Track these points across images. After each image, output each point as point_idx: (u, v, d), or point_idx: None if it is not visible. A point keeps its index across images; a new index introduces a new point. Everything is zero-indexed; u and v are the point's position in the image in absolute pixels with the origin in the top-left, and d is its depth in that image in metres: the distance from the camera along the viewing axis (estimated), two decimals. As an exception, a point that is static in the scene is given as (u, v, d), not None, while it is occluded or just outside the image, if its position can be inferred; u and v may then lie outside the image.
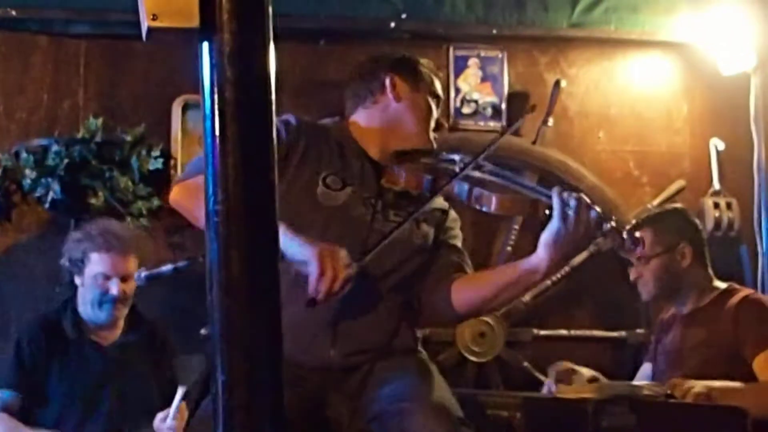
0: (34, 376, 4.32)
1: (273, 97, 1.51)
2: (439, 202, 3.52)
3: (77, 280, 4.45)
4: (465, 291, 3.32)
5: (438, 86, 3.60)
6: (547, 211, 3.14)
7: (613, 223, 3.10)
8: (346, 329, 3.18)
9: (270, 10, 1.52)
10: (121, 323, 4.47)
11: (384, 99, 3.46)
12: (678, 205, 4.75)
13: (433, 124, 3.51)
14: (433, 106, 3.53)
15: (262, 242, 1.51)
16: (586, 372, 4.15)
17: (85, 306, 4.42)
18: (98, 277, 4.37)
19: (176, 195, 3.35)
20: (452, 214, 3.59)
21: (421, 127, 3.46)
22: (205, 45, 1.49)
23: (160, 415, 4.13)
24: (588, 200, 3.09)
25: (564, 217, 3.04)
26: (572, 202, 3.03)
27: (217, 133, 1.47)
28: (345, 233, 3.18)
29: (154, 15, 1.50)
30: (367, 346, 3.21)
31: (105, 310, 4.38)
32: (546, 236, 3.13)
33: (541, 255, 3.15)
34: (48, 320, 4.46)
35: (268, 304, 1.51)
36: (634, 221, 4.45)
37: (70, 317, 4.43)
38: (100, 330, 4.44)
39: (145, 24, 1.51)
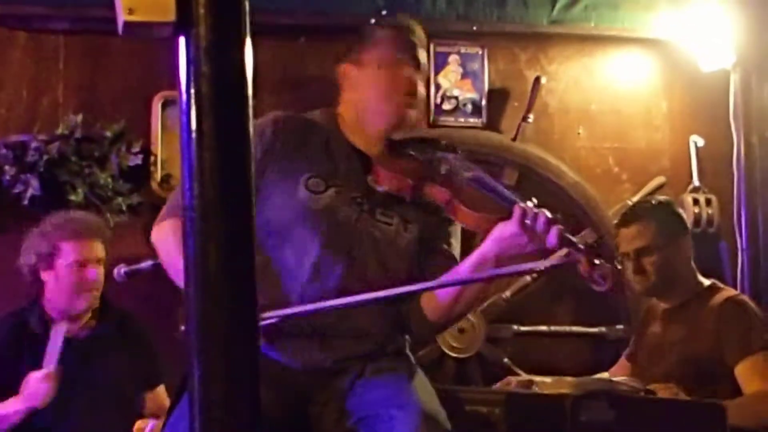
0: (2, 372, 4.30)
1: (250, 91, 1.50)
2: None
3: (45, 276, 4.41)
4: (432, 299, 3.27)
5: (404, 47, 3.44)
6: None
7: (580, 253, 3.07)
8: (334, 336, 3.16)
9: (246, 4, 1.52)
10: (88, 316, 4.45)
11: (345, 90, 3.43)
12: (665, 198, 4.76)
13: (406, 90, 3.37)
14: (402, 72, 3.39)
15: (239, 237, 1.51)
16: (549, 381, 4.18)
17: (60, 298, 4.38)
18: (73, 265, 4.35)
19: (153, 238, 3.38)
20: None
21: (383, 105, 3.33)
22: (182, 39, 1.49)
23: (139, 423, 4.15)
24: (559, 226, 3.06)
25: (522, 225, 3.03)
26: (538, 220, 3.02)
27: (193, 127, 1.47)
28: (330, 238, 3.15)
29: (130, 9, 1.50)
30: (358, 353, 3.19)
31: (84, 298, 4.36)
32: (498, 233, 3.09)
33: (487, 248, 3.11)
34: (13, 318, 4.45)
35: (244, 299, 1.51)
36: (623, 214, 4.45)
37: (36, 314, 4.41)
38: (70, 323, 4.41)
39: (121, 18, 1.51)
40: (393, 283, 3.17)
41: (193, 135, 1.47)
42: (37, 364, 4.27)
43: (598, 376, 4.54)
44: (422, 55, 3.47)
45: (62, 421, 4.25)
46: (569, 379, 4.04)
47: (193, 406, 1.49)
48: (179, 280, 3.11)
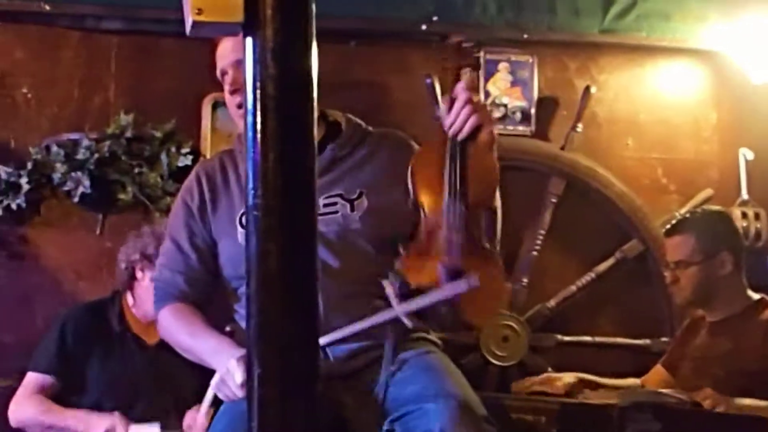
0: (74, 362, 4.34)
1: (315, 93, 1.51)
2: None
3: (140, 275, 4.44)
4: None
5: (219, 59, 3.46)
6: None
7: None
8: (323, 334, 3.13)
9: (313, 7, 1.53)
10: None
11: None
12: (720, 208, 4.73)
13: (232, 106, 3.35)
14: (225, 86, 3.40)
15: (300, 236, 1.52)
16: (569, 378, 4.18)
17: (150, 301, 4.40)
18: None
19: (160, 327, 3.51)
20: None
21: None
22: (249, 40, 1.50)
23: (190, 413, 4.14)
24: None
25: None
26: None
27: (258, 127, 1.48)
28: None
29: (199, 9, 1.51)
30: (359, 349, 3.18)
31: None
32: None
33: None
34: (94, 310, 4.48)
35: (304, 298, 1.52)
36: (672, 223, 4.43)
37: (117, 310, 4.44)
38: (148, 328, 4.43)
39: (189, 18, 1.52)
40: (363, 267, 3.18)
41: (258, 135, 1.48)
42: (111, 363, 4.30)
43: (630, 381, 4.54)
44: (228, 44, 3.42)
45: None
46: (584, 376, 4.05)
47: (251, 404, 1.50)
48: (195, 356, 3.31)
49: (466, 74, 3.11)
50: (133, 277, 4.47)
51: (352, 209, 3.24)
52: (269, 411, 1.49)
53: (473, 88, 3.01)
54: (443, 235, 3.05)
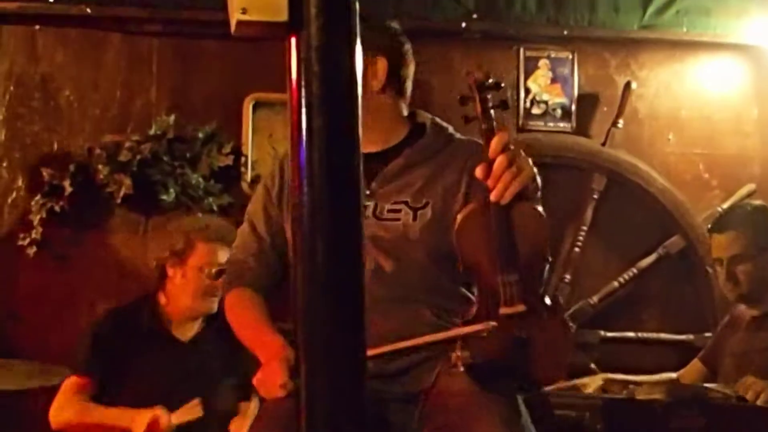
0: (110, 363, 4.36)
1: (359, 91, 1.52)
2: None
3: (171, 272, 4.47)
4: None
5: None
6: None
7: None
8: (370, 340, 3.11)
9: (357, 6, 1.54)
10: (201, 320, 4.51)
11: None
12: (761, 202, 4.70)
13: None
14: None
15: (346, 233, 1.53)
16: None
17: (183, 297, 4.44)
18: (204, 267, 4.41)
19: (226, 308, 3.47)
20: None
21: None
22: (293, 39, 1.51)
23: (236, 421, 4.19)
24: None
25: None
26: None
27: (303, 126, 1.49)
28: None
29: (243, 8, 1.52)
30: (404, 350, 3.16)
31: (207, 301, 4.41)
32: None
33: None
34: (128, 311, 4.50)
35: (351, 294, 1.53)
36: (717, 219, 4.41)
37: (149, 309, 4.47)
38: (181, 325, 4.47)
39: (234, 17, 1.53)
40: (417, 277, 3.18)
41: (304, 134, 1.49)
42: (146, 362, 4.34)
43: (665, 375, 4.53)
44: None
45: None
46: (612, 376, 4.04)
47: (299, 399, 1.51)
48: (247, 344, 3.31)
49: (499, 128, 3.06)
50: (164, 276, 4.49)
51: (415, 218, 3.21)
52: (317, 406, 1.50)
53: (508, 144, 2.95)
54: (503, 310, 3.04)
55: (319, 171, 1.50)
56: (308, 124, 1.50)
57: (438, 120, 3.42)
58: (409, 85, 3.37)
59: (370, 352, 3.02)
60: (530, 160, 2.96)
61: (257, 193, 3.49)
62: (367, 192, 3.24)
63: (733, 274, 4.24)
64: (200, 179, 5.15)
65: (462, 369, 3.03)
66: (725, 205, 5.40)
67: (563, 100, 5.55)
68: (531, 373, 3.05)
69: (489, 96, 3.08)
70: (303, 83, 1.50)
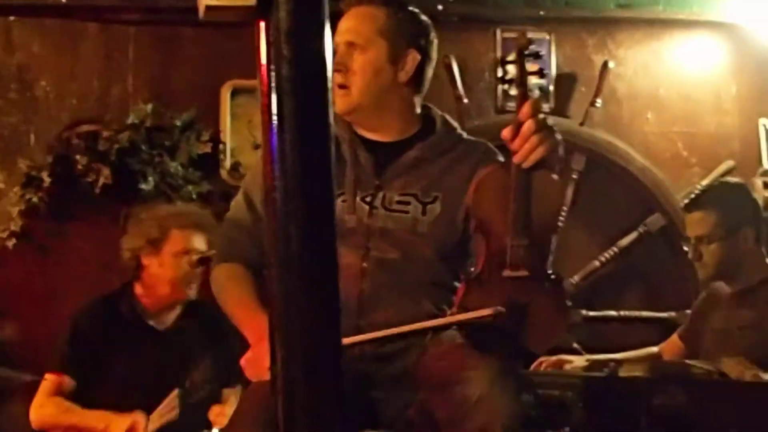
0: (89, 358, 4.35)
1: (329, 74, 1.52)
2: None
3: (147, 261, 4.46)
4: None
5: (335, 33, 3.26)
6: None
7: None
8: (368, 323, 3.14)
9: (326, -11, 1.53)
10: (180, 308, 4.50)
11: None
12: (739, 180, 4.70)
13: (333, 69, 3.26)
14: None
15: (320, 218, 1.52)
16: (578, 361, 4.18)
17: (160, 286, 4.43)
18: (179, 255, 4.39)
19: (213, 282, 3.43)
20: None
21: None
22: (262, 23, 1.51)
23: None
24: None
25: None
26: None
27: (274, 110, 1.48)
28: (342, 252, 3.06)
29: (212, -7, 1.52)
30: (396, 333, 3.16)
31: (184, 289, 4.40)
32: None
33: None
34: (105, 304, 4.49)
35: (326, 280, 1.52)
36: (691, 198, 4.41)
37: (128, 300, 4.46)
38: (160, 314, 4.46)
39: (202, 2, 1.53)
40: (422, 270, 3.18)
41: (274, 118, 1.49)
42: (126, 353, 4.33)
43: (646, 350, 4.54)
44: (347, 23, 3.27)
45: (145, 409, 4.28)
46: (595, 357, 4.05)
47: (275, 386, 1.51)
48: (235, 322, 3.26)
49: (532, 94, 3.10)
50: (140, 266, 4.47)
51: (424, 213, 3.21)
52: (294, 391, 1.50)
53: (538, 110, 2.98)
54: (507, 272, 3.06)
55: (291, 155, 1.49)
56: (279, 108, 1.49)
57: (448, 117, 3.44)
58: (428, 82, 3.38)
59: (373, 335, 3.05)
60: (557, 131, 2.99)
61: (256, 165, 3.46)
62: (377, 182, 3.24)
63: (700, 254, 4.26)
64: (179, 167, 5.14)
65: (455, 330, 3.06)
66: (704, 183, 5.41)
67: (541, 81, 5.54)
68: (524, 340, 3.07)
69: (528, 62, 3.15)
70: (273, 67, 1.49)
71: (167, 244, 4.40)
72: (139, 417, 4.19)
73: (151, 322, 4.46)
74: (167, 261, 4.39)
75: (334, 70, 3.16)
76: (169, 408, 4.22)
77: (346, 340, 3.00)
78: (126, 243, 4.50)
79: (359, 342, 3.06)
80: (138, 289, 4.47)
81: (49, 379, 4.36)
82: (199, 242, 4.39)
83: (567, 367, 4.16)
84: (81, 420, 4.29)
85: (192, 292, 4.42)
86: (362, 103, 3.23)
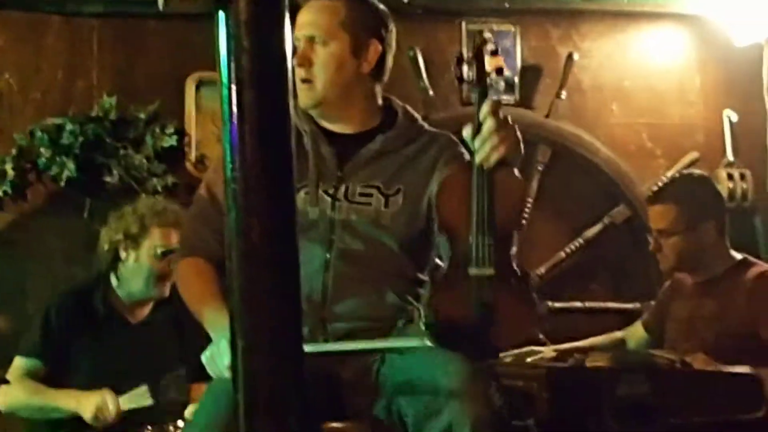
0: (60, 346, 4.34)
1: (289, 65, 1.52)
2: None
3: (124, 255, 4.44)
4: None
5: (295, 27, 3.23)
6: None
7: None
8: (332, 315, 3.15)
9: (285, -20, 1.53)
10: (152, 304, 4.49)
11: None
12: (701, 173, 4.72)
13: (296, 62, 3.18)
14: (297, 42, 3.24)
15: (281, 209, 1.52)
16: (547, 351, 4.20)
17: (135, 281, 4.42)
18: (158, 252, 4.38)
19: (177, 277, 3.47)
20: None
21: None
22: (221, 14, 1.50)
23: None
24: None
25: None
26: None
27: (234, 100, 1.48)
28: (305, 245, 3.08)
29: (171, -16, 1.51)
30: (358, 329, 3.16)
31: (160, 286, 4.39)
32: None
33: None
34: (79, 294, 4.48)
35: (288, 272, 1.52)
36: (653, 191, 4.42)
37: (101, 292, 4.44)
38: (133, 307, 4.45)
39: (163, -7, 1.52)
40: (385, 261, 3.20)
41: (234, 108, 1.49)
42: (97, 345, 4.31)
43: (612, 335, 4.57)
44: (306, 17, 3.25)
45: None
46: (563, 346, 4.07)
47: (236, 378, 1.51)
48: (197, 317, 3.24)
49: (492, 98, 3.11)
50: (117, 258, 4.46)
51: (386, 205, 3.23)
52: (255, 383, 1.50)
53: (499, 109, 2.99)
54: (473, 271, 3.07)
55: (252, 146, 1.49)
56: (239, 99, 1.49)
57: (409, 109, 3.44)
58: (388, 72, 3.37)
59: (321, 348, 3.05)
60: (517, 129, 3.00)
61: (219, 158, 3.44)
62: (339, 174, 3.25)
63: (660, 245, 4.28)
64: (144, 160, 5.12)
65: (423, 328, 3.07)
66: (669, 174, 5.43)
67: (506, 72, 5.54)
68: (492, 338, 3.08)
69: (487, 60, 3.17)
70: (232, 58, 1.49)
71: (147, 240, 4.40)
72: (108, 395, 4.18)
73: (125, 315, 4.45)
74: (144, 257, 4.39)
75: (297, 65, 3.18)
76: (140, 393, 4.21)
77: (309, 349, 3.02)
78: (106, 235, 4.48)
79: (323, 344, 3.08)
80: (113, 280, 4.46)
81: (19, 363, 4.36)
82: (177, 240, 4.39)
83: (534, 358, 4.18)
84: (50, 400, 4.28)
85: (165, 290, 4.41)
86: (327, 97, 3.23)
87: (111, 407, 4.17)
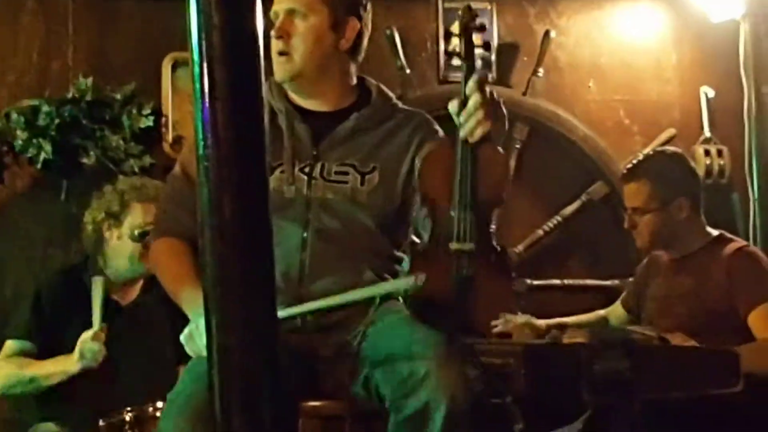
0: (50, 328, 4.32)
1: (261, 41, 1.51)
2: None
3: (108, 234, 4.42)
4: None
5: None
6: None
7: None
8: (309, 293, 3.15)
9: (255, -45, 1.52)
10: (142, 282, 4.48)
11: None
12: (675, 150, 4.72)
13: (274, 34, 3.21)
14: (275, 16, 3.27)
15: (253, 186, 1.52)
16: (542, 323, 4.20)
17: (120, 260, 4.40)
18: (134, 234, 4.36)
19: (152, 257, 3.46)
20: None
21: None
22: (192, -10, 1.50)
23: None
24: None
25: None
26: None
27: (205, 77, 1.48)
28: (282, 223, 3.11)
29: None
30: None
31: (145, 263, 4.37)
32: None
33: None
34: (68, 276, 4.46)
35: (260, 246, 1.52)
36: (628, 168, 4.42)
37: (90, 272, 4.41)
38: (121, 288, 4.44)
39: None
40: (362, 239, 3.21)
41: (206, 85, 1.48)
42: (87, 326, 4.30)
43: (595, 314, 4.59)
44: None
45: (102, 381, 4.25)
46: (550, 321, 4.08)
47: (211, 351, 1.51)
48: (173, 297, 3.25)
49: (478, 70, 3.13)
50: (101, 239, 4.45)
51: (362, 183, 3.24)
52: (229, 358, 1.50)
53: (485, 84, 3.00)
54: (454, 246, 3.08)
55: (223, 123, 1.49)
56: (210, 77, 1.49)
57: (384, 88, 3.45)
58: (363, 51, 3.38)
59: (305, 307, 3.06)
60: (503, 105, 3.01)
61: (192, 137, 3.43)
62: (314, 152, 3.26)
63: (635, 223, 4.29)
64: (121, 141, 5.09)
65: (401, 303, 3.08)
66: (646, 151, 5.43)
67: (483, 51, 5.55)
68: (470, 314, 3.09)
69: (474, 36, 3.18)
70: (204, 36, 1.49)
71: (128, 218, 4.38)
72: (85, 334, 4.16)
73: (114, 297, 4.43)
74: (127, 235, 4.37)
75: (275, 37, 3.19)
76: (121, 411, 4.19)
77: (289, 311, 3.02)
78: (88, 215, 4.47)
79: (301, 312, 3.08)
80: (100, 262, 4.44)
81: (9, 346, 4.34)
82: None
83: (526, 331, 4.16)
84: (39, 370, 4.26)
85: (151, 267, 4.38)
86: (304, 70, 3.23)
87: (96, 345, 4.14)
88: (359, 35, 3.31)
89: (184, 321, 3.19)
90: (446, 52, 5.52)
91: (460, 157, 3.06)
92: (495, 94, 3.02)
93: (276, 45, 3.20)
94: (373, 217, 3.23)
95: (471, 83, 2.98)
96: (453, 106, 3.02)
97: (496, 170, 3.15)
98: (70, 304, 4.37)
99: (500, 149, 3.12)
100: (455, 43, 5.47)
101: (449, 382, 2.79)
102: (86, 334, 4.15)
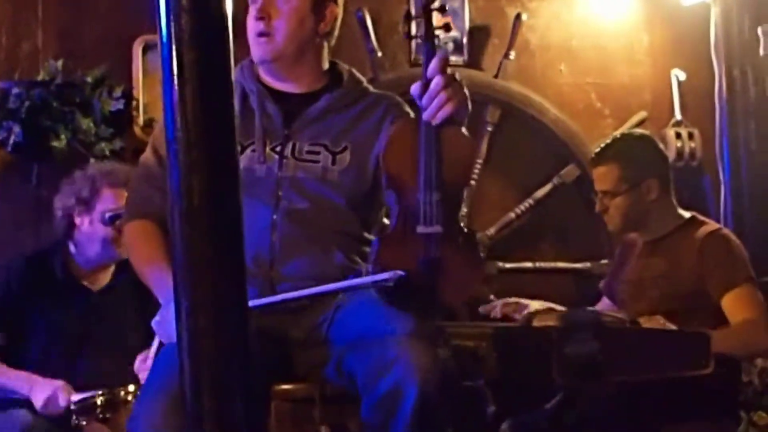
0: (18, 314, 4.29)
1: (230, 23, 1.51)
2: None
3: (79, 220, 4.40)
4: None
5: None
6: None
7: None
8: (280, 276, 3.15)
9: (225, -63, 1.52)
10: (112, 268, 4.46)
11: None
12: (643, 131, 4.74)
13: (254, 15, 3.21)
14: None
15: (223, 169, 1.51)
16: (536, 304, 4.19)
17: (92, 245, 4.38)
18: (105, 217, 4.34)
19: (125, 240, 3.46)
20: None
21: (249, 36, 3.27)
22: (161, -28, 1.49)
23: (140, 356, 4.11)
24: None
25: None
26: None
27: (174, 60, 1.47)
28: (252, 203, 3.07)
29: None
30: (306, 286, 3.15)
31: (116, 248, 4.34)
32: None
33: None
34: (37, 261, 4.43)
35: (230, 230, 1.52)
36: (597, 152, 4.43)
37: (60, 259, 4.40)
38: (92, 274, 4.42)
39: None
40: (332, 219, 3.21)
41: (175, 68, 1.48)
42: (56, 312, 4.27)
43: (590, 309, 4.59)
44: None
45: (71, 370, 4.24)
46: (556, 307, 4.07)
47: (181, 336, 1.50)
48: (145, 281, 3.23)
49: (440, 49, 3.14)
50: (72, 225, 4.43)
51: (334, 162, 3.23)
52: (199, 342, 1.50)
53: (446, 65, 3.01)
54: (421, 229, 3.08)
55: (192, 106, 1.48)
56: (179, 59, 1.48)
57: (355, 71, 3.46)
58: (335, 37, 3.39)
59: (273, 299, 3.06)
60: (465, 86, 3.02)
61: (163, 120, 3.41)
62: (286, 131, 3.26)
63: (606, 206, 4.30)
64: (91, 124, 5.06)
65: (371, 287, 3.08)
66: (617, 133, 5.45)
67: (454, 33, 5.54)
68: (440, 294, 3.10)
69: (434, 17, 3.19)
70: (172, 18, 1.48)
71: (99, 203, 4.36)
72: (61, 387, 4.14)
73: (84, 282, 4.42)
74: (98, 220, 4.35)
75: (257, 18, 3.19)
76: (93, 394, 4.16)
77: (259, 301, 3.02)
78: (58, 201, 4.44)
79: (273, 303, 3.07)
80: (71, 247, 4.42)
81: None
82: None
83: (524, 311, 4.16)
84: (6, 380, 4.24)
85: (124, 251, 4.36)
86: (284, 51, 3.24)
87: (61, 402, 4.13)
88: (334, 21, 3.32)
89: (156, 306, 3.19)
90: (410, 36, 5.50)
91: (423, 139, 3.06)
92: (457, 75, 3.03)
93: (256, 26, 3.20)
94: (343, 196, 3.23)
95: (432, 65, 2.99)
96: (415, 88, 3.02)
97: (461, 152, 3.15)
98: (37, 289, 4.34)
99: (464, 130, 3.13)
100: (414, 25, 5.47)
101: (420, 363, 2.79)
102: (61, 397, 4.12)
